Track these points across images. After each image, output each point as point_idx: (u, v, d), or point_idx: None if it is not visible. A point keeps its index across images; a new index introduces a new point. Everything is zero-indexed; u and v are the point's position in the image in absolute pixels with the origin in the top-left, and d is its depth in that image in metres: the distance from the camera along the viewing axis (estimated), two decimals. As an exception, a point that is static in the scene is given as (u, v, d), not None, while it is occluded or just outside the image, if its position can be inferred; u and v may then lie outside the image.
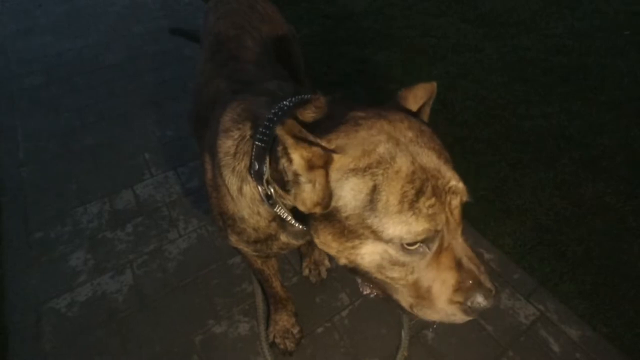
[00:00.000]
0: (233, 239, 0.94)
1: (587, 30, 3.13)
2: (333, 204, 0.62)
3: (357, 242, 0.63)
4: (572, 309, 1.48)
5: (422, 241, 0.61)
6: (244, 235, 0.91)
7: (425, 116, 0.76)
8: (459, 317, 0.64)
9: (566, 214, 1.82)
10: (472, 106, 2.45)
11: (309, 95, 0.78)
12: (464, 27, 3.23)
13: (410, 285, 0.65)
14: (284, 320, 1.38)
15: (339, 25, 3.28)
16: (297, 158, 0.60)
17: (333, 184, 0.61)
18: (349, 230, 0.62)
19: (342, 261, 0.68)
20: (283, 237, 0.90)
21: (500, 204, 1.87)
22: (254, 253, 0.99)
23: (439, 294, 0.63)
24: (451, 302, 0.63)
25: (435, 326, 0.69)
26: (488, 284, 0.63)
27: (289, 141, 0.58)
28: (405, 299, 0.67)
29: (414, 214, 0.58)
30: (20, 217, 1.84)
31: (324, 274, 1.57)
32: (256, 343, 1.39)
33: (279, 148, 0.62)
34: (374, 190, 0.59)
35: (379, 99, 2.51)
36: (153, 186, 1.96)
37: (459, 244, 0.64)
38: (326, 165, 0.61)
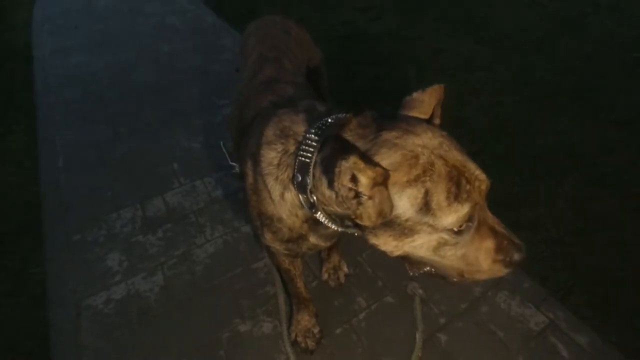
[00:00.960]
0: (268, 237, 1.05)
1: (596, 51, 3.23)
2: (393, 212, 0.74)
3: (415, 236, 0.75)
4: (581, 318, 1.54)
5: (468, 221, 0.74)
6: (279, 234, 1.02)
7: (438, 116, 0.87)
8: (503, 272, 0.78)
9: (577, 228, 1.89)
10: (484, 122, 2.55)
11: (342, 115, 0.90)
12: (476, 48, 3.36)
13: (459, 258, 0.78)
14: (305, 320, 1.47)
15: (355, 46, 3.45)
16: (365, 179, 0.69)
17: (392, 196, 0.73)
18: (408, 229, 0.75)
19: (397, 253, 0.80)
20: (312, 239, 1.01)
21: (511, 217, 1.94)
22: (285, 252, 1.10)
23: (485, 258, 0.77)
24: (495, 261, 0.77)
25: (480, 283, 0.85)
26: (518, 241, 0.78)
27: (361, 165, 0.68)
28: (455, 270, 0.80)
29: (459, 202, 0.72)
30: (60, 221, 1.98)
31: (342, 279, 1.66)
32: (279, 341, 1.48)
33: (338, 175, 0.71)
34: (426, 194, 0.72)
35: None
36: (181, 194, 2.10)
37: (488, 217, 0.78)
38: (385, 182, 0.71)
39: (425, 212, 0.72)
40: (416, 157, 0.73)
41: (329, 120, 0.88)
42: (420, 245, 0.75)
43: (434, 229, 0.73)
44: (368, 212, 0.73)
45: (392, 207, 0.72)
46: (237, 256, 1.78)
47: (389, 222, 0.74)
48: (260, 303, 1.61)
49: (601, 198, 2.02)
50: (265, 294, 1.64)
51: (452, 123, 2.52)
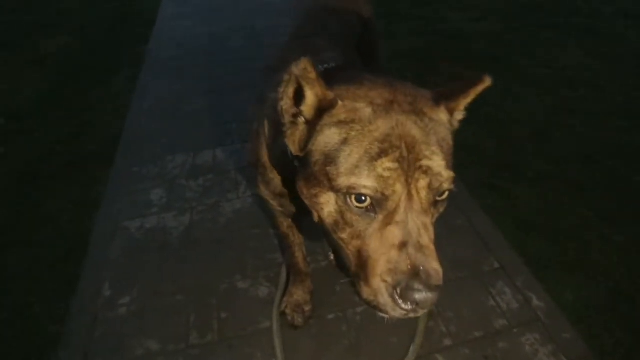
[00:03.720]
0: (262, 188, 1.03)
1: None
2: (309, 146, 0.67)
3: (318, 189, 0.66)
4: (630, 395, 1.22)
5: (371, 199, 0.61)
6: (271, 186, 0.99)
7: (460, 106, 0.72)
8: (385, 302, 0.60)
9: (660, 289, 1.50)
10: (571, 145, 2.18)
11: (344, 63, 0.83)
12: (588, 62, 2.88)
13: (356, 252, 0.65)
14: (299, 294, 1.43)
15: (446, 44, 3.22)
16: (312, 96, 0.65)
17: (319, 127, 0.66)
18: (314, 176, 0.67)
19: (315, 215, 0.72)
20: None
21: (572, 255, 1.62)
22: (279, 208, 1.07)
23: (374, 268, 0.61)
24: (382, 280, 0.60)
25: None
26: (430, 280, 0.57)
27: (312, 75, 0.62)
28: (352, 267, 0.67)
29: (368, 169, 0.59)
30: (128, 154, 2.24)
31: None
32: (269, 307, 1.46)
33: (283, 88, 0.69)
34: (344, 142, 0.62)
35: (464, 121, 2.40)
36: (230, 152, 2.20)
37: (415, 226, 0.60)
38: (327, 109, 0.65)
39: (332, 160, 0.62)
40: (367, 102, 0.64)
41: (329, 65, 0.83)
42: (321, 206, 0.66)
43: (332, 186, 0.62)
44: (295, 135, 0.68)
45: (311, 137, 0.66)
46: (259, 218, 1.81)
47: (304, 161, 0.68)
48: (264, 266, 1.61)
49: None
50: (272, 260, 1.63)
51: (532, 136, 2.21)
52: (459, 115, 0.74)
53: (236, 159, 2.15)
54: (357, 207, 0.62)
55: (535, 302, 1.45)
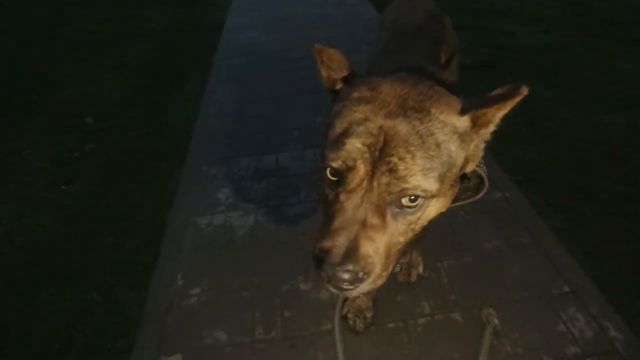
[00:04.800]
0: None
1: None
2: None
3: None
4: None
5: (336, 173, 0.66)
6: None
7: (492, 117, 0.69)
8: (315, 264, 0.65)
9: None
10: (653, 168, 2.03)
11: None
12: (673, 80, 2.67)
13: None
14: (361, 299, 1.45)
15: (508, 57, 3.13)
16: (323, 74, 0.80)
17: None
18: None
19: None
20: None
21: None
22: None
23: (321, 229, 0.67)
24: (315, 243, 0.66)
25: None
26: (338, 259, 0.60)
27: (317, 59, 0.77)
28: None
29: (338, 143, 0.65)
30: (197, 154, 2.40)
31: (413, 277, 1.57)
32: (330, 311, 1.50)
33: None
34: (335, 115, 0.71)
35: (524, 135, 2.32)
36: (292, 157, 2.29)
37: (362, 214, 0.63)
38: (333, 84, 0.81)
39: (328, 131, 0.72)
40: (368, 89, 0.70)
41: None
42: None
43: (322, 156, 0.70)
44: None
45: None
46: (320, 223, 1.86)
47: None
48: (325, 270, 1.65)
49: None
50: (333, 265, 1.67)
51: (602, 157, 2.09)
52: (492, 126, 0.71)
53: (298, 164, 2.23)
54: (329, 179, 0.68)
55: (613, 332, 1.37)
